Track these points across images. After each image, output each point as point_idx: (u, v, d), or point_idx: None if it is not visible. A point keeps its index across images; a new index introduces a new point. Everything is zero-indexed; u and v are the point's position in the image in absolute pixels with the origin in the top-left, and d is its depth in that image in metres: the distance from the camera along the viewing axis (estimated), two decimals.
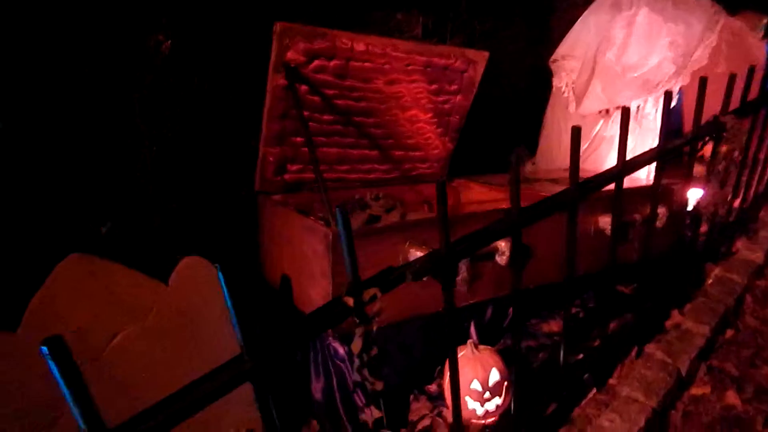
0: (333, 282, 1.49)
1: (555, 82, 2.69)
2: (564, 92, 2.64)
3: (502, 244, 1.74)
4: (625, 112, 1.52)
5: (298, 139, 1.96)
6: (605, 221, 2.05)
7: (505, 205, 2.34)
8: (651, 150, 1.60)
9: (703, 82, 1.65)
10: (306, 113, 1.91)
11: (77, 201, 1.81)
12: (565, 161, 3.00)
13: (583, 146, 2.81)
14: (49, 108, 1.71)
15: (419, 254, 1.57)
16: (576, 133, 1.44)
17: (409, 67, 2.02)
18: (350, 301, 0.90)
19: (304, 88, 1.84)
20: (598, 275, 2.02)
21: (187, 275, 1.42)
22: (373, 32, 2.42)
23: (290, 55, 1.73)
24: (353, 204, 2.16)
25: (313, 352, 1.65)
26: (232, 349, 1.38)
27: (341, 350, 1.55)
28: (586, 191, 1.47)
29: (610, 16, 2.35)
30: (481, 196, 2.41)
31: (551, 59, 2.66)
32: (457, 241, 1.13)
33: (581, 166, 2.90)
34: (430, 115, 2.23)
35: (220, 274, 0.85)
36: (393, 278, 0.97)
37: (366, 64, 1.91)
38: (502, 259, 1.77)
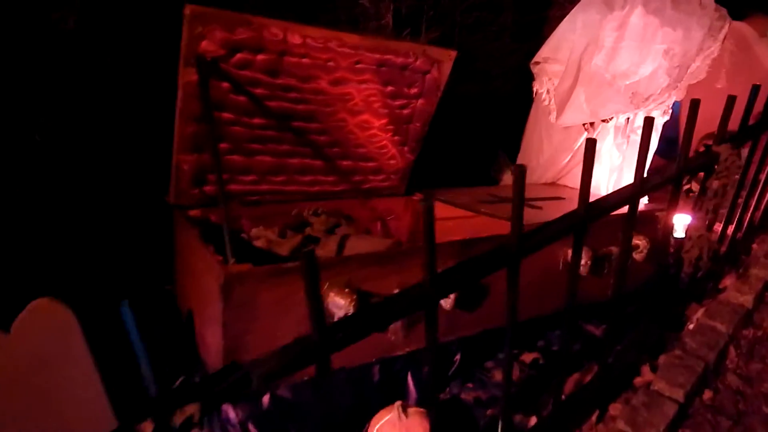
0: (225, 335, 1.22)
1: (536, 86, 2.39)
2: (544, 99, 2.34)
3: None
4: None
5: (222, 145, 1.66)
6: None
7: (468, 228, 2.08)
8: (626, 188, 1.32)
9: (694, 106, 1.37)
10: (230, 116, 1.61)
11: None
12: (543, 175, 2.73)
13: (564, 159, 2.53)
14: None
15: (341, 302, 1.30)
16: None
17: (359, 66, 1.73)
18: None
19: (225, 85, 1.54)
20: (565, 313, 1.78)
21: (35, 320, 1.14)
22: (335, 19, 2.11)
23: (205, 45, 1.43)
24: (290, 222, 1.88)
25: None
26: (93, 399, 1.10)
27: (232, 414, 1.28)
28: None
29: (601, 16, 2.05)
30: (445, 213, 2.13)
31: (533, 61, 2.36)
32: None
33: (562, 180, 2.61)
34: (385, 121, 1.94)
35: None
36: (224, 389, 0.67)
37: (304, 60, 1.61)
38: (446, 303, 1.51)
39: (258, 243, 1.68)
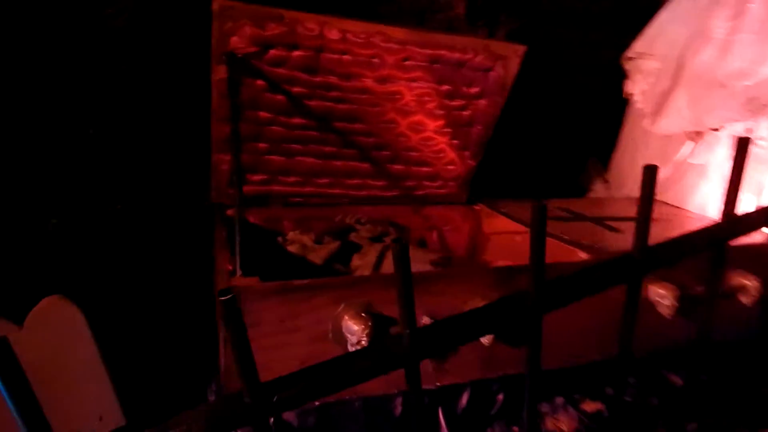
0: (225, 351, 1.14)
1: (627, 87, 2.05)
2: (637, 102, 2.00)
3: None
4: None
5: (261, 144, 1.60)
6: (660, 293, 1.48)
7: (525, 248, 1.83)
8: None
9: None
10: (267, 115, 1.54)
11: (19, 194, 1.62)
12: (635, 188, 2.37)
13: (664, 173, 2.16)
14: None
15: (354, 327, 1.16)
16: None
17: (407, 62, 1.57)
18: None
19: (259, 83, 1.47)
20: (642, 361, 1.49)
21: (45, 317, 1.14)
22: (397, 11, 1.98)
23: (235, 42, 1.36)
24: (333, 227, 1.77)
25: None
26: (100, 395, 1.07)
27: None
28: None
29: (709, 2, 1.68)
30: (503, 227, 1.90)
31: (625, 55, 2.03)
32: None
33: (659, 196, 2.25)
34: (441, 123, 1.76)
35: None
36: None
37: (344, 56, 1.49)
38: (486, 339, 1.31)
39: (291, 248, 1.60)
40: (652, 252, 0.93)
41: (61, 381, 1.18)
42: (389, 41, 1.50)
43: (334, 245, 1.64)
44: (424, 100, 1.69)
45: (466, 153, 1.87)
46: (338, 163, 1.73)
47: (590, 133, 2.76)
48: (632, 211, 2.14)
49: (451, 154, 1.86)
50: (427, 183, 1.91)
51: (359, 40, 1.46)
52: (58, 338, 1.16)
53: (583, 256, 1.48)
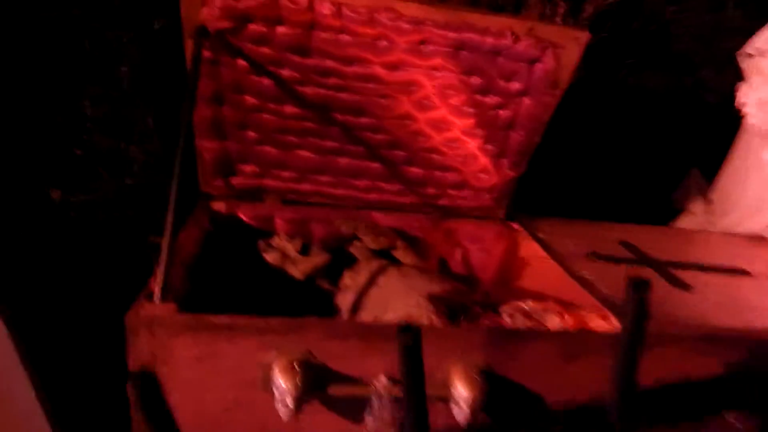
0: None
1: (740, 94, 1.54)
2: (750, 115, 1.50)
3: (460, 388, 1.00)
4: None
5: (249, 133, 1.39)
6: None
7: (547, 285, 1.47)
8: None
9: None
10: (253, 100, 1.33)
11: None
12: (742, 221, 1.85)
13: None
14: None
15: (281, 384, 0.94)
16: (639, 290, 0.70)
17: (425, 47, 1.26)
18: None
19: (241, 64, 1.25)
20: None
21: None
22: None
23: (206, 14, 1.14)
24: (331, 234, 1.54)
25: None
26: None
27: None
28: None
29: None
30: (533, 252, 1.54)
31: (742, 51, 1.51)
32: None
33: None
34: (471, 122, 1.43)
35: None
36: None
37: (341, 36, 1.21)
38: (461, 411, 1.03)
39: (269, 257, 1.40)
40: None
41: None
42: (398, 19, 1.19)
43: (320, 259, 1.42)
44: (448, 94, 1.37)
45: (504, 161, 1.52)
46: (342, 160, 1.48)
47: (696, 137, 2.23)
48: (727, 255, 1.66)
49: (484, 161, 1.52)
50: (453, 192, 1.59)
51: (358, 17, 1.18)
52: None
53: (598, 323, 1.14)
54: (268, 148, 1.43)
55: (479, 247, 1.67)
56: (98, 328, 1.32)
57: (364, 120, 1.39)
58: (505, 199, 1.63)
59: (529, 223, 1.61)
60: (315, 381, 0.98)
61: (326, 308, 1.36)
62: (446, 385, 1.02)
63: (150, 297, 1.00)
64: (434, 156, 1.50)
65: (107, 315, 1.04)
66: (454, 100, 1.38)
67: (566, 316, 1.39)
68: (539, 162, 1.61)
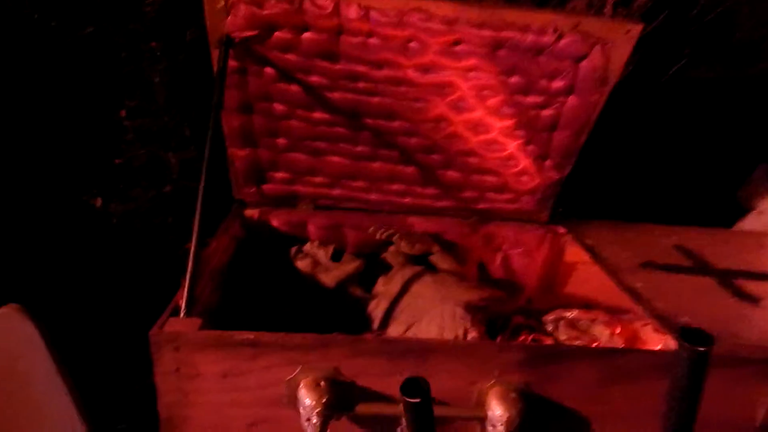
0: (160, 402, 0.97)
1: None
2: None
3: (495, 407, 0.94)
4: None
5: (279, 140, 1.37)
6: None
7: (593, 296, 1.36)
8: None
9: None
10: (282, 107, 1.30)
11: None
12: None
13: None
14: None
15: (306, 401, 0.92)
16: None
17: (460, 47, 1.19)
18: None
19: (269, 72, 1.22)
20: None
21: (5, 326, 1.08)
22: None
23: (230, 23, 1.12)
24: (364, 240, 1.50)
25: None
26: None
27: None
28: None
29: None
30: (579, 258, 1.45)
31: None
32: None
33: None
34: (511, 123, 1.35)
35: None
36: None
37: (370, 40, 1.16)
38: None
39: (300, 264, 1.38)
40: None
41: (18, 398, 1.13)
42: (430, 20, 1.13)
43: (352, 266, 1.38)
44: (485, 95, 1.29)
45: (547, 162, 1.44)
46: (374, 165, 1.43)
47: (762, 130, 2.04)
48: None
49: (525, 162, 1.44)
50: (493, 195, 1.52)
51: (387, 20, 1.12)
52: (12, 353, 1.10)
53: (651, 336, 1.04)
54: (298, 155, 1.40)
55: (521, 252, 1.59)
56: (136, 335, 1.35)
57: (396, 124, 1.34)
58: (548, 201, 1.54)
59: (577, 227, 1.52)
60: (342, 399, 0.95)
61: (358, 317, 1.33)
62: (481, 405, 0.97)
63: (176, 312, 0.99)
64: (471, 159, 1.43)
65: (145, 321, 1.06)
66: (492, 101, 1.30)
67: (617, 328, 1.30)
68: (588, 162, 1.52)
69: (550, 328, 1.33)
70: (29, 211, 1.56)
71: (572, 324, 1.34)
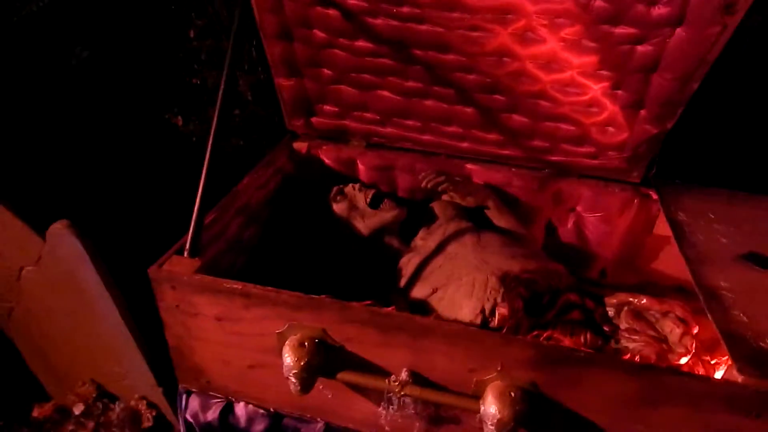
0: (167, 332, 1.02)
1: None
2: None
3: (489, 404, 0.83)
4: None
5: (324, 71, 1.26)
6: None
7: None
8: None
9: None
10: (322, 35, 1.18)
11: None
12: None
13: None
14: None
15: (287, 359, 0.89)
16: None
17: None
18: None
19: None
20: None
21: (58, 241, 1.19)
22: None
23: None
24: (415, 186, 1.37)
25: None
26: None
27: None
28: None
29: None
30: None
31: None
32: None
33: None
34: (594, 60, 1.07)
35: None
36: None
37: None
38: (486, 430, 0.87)
39: (337, 207, 1.31)
40: None
41: (77, 312, 1.26)
42: None
43: (389, 215, 1.27)
44: (560, 23, 1.03)
45: (642, 113, 1.14)
46: (427, 102, 1.26)
47: None
48: None
49: (612, 110, 1.16)
50: (569, 147, 1.27)
51: None
52: (68, 271, 1.21)
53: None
54: (345, 88, 1.29)
55: (599, 217, 1.34)
56: None
57: (450, 57, 1.14)
58: (642, 160, 1.25)
59: (675, 194, 1.22)
60: (327, 363, 0.91)
61: (390, 270, 1.25)
62: (477, 396, 0.86)
63: (181, 251, 1.00)
64: (542, 102, 1.19)
65: None
66: (569, 32, 1.04)
67: (694, 327, 1.06)
68: (700, 116, 1.18)
69: (611, 312, 1.12)
70: (112, 132, 1.67)
71: (638, 313, 1.12)
